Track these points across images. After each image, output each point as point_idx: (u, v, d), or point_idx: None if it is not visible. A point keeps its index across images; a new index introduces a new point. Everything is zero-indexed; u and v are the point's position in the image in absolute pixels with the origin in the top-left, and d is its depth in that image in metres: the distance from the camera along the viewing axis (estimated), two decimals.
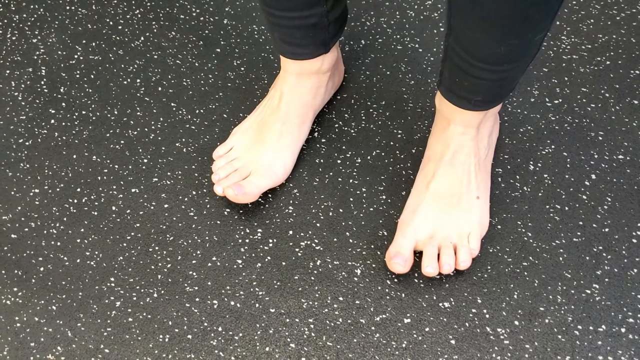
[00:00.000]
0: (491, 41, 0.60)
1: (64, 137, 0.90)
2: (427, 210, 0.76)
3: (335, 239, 0.80)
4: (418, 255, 0.77)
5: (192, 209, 0.83)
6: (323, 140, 0.87)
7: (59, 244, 0.81)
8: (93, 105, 0.92)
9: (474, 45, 0.62)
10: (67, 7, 1.03)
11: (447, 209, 0.76)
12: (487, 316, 0.74)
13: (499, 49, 0.60)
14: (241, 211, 0.82)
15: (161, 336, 0.74)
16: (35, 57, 0.98)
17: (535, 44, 0.61)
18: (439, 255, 0.75)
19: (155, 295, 0.77)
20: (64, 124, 0.91)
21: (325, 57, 0.79)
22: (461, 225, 0.76)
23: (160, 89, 0.93)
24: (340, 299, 0.76)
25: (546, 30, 0.60)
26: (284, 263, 0.78)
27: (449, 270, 0.75)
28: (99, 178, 0.86)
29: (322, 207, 0.82)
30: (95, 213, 0.83)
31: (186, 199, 0.83)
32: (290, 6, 0.71)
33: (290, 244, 0.80)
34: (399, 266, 0.74)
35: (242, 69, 0.95)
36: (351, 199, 0.83)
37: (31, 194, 0.85)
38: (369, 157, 0.86)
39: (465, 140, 0.76)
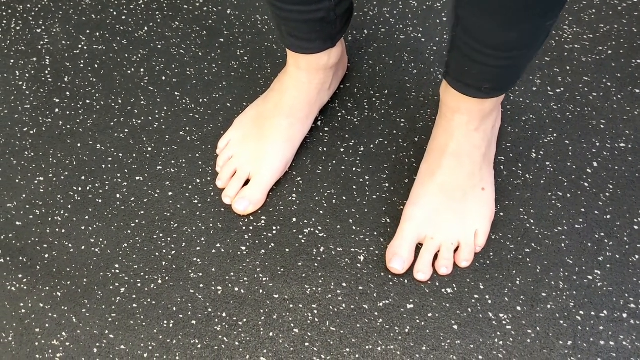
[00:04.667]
0: (502, 27, 0.60)
1: (68, 126, 0.90)
2: (432, 203, 0.76)
3: (338, 226, 0.80)
4: (421, 246, 0.77)
5: (196, 196, 0.83)
6: (326, 128, 0.88)
7: (63, 231, 0.81)
8: (97, 95, 0.93)
9: (483, 33, 0.62)
10: None
11: (451, 203, 0.76)
12: (490, 302, 0.74)
13: (511, 34, 0.60)
14: None
15: (165, 322, 0.75)
16: (40, 47, 0.98)
17: (545, 30, 0.61)
18: (437, 254, 0.76)
19: (160, 281, 0.77)
20: (68, 112, 0.91)
21: (331, 51, 0.79)
22: (467, 221, 0.76)
23: (164, 78, 0.94)
24: (344, 285, 0.76)
25: (557, 16, 0.60)
26: (287, 250, 0.79)
27: (445, 272, 0.75)
28: (103, 166, 0.86)
29: (326, 194, 0.83)
30: (100, 201, 0.83)
31: (190, 187, 0.84)
32: (298, 0, 0.70)
33: (294, 230, 0.80)
34: (397, 268, 0.75)
35: (246, 58, 0.95)
36: (354, 187, 0.83)
37: (36, 181, 0.85)
38: (372, 146, 0.86)
39: (470, 131, 0.76)
